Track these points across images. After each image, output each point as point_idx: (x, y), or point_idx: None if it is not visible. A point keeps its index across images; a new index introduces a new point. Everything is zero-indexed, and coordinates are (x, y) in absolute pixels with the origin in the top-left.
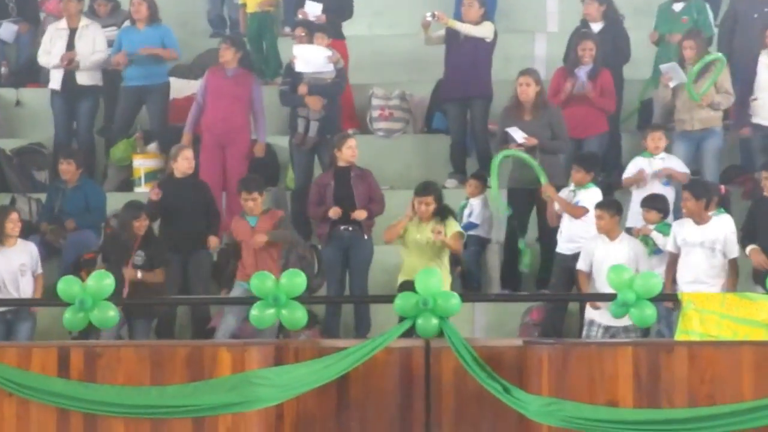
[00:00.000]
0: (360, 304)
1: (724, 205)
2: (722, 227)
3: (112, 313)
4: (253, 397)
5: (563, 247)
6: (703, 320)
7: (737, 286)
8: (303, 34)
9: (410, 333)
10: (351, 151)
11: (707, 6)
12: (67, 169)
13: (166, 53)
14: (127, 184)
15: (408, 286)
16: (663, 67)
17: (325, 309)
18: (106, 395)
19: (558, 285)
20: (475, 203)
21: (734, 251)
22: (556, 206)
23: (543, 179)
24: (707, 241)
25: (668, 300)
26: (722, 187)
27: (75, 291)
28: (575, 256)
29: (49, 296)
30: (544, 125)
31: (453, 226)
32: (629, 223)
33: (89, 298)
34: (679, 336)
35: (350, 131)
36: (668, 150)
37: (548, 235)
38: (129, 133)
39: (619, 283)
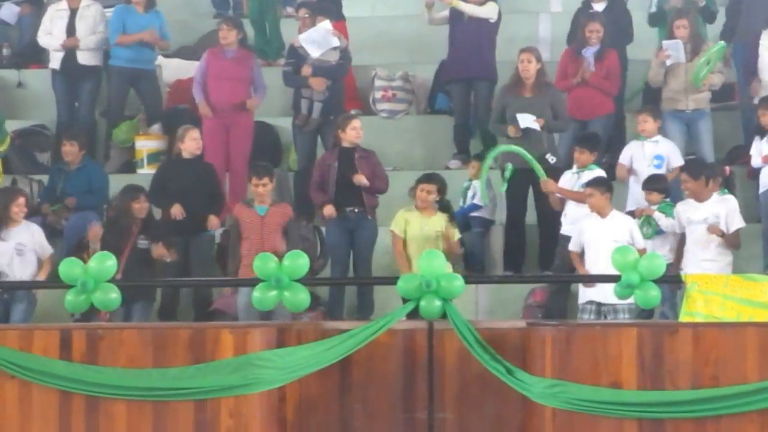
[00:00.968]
0: (363, 286)
1: (729, 186)
2: (724, 203)
3: (114, 295)
4: (256, 379)
5: (568, 228)
6: (707, 301)
7: (742, 264)
8: (306, 15)
9: (413, 315)
10: (355, 132)
11: None
12: (71, 150)
13: (164, 44)
14: (129, 165)
15: None
16: (666, 43)
17: (328, 291)
18: (108, 377)
19: (562, 266)
20: (478, 185)
21: (735, 224)
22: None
23: (540, 174)
24: (710, 217)
25: (672, 281)
26: (727, 168)
27: (77, 273)
28: None
29: (51, 278)
30: (545, 104)
31: (456, 231)
32: (629, 207)
33: (91, 279)
34: (683, 317)
35: (353, 112)
36: (661, 130)
37: (547, 216)
38: (131, 115)
39: (623, 265)
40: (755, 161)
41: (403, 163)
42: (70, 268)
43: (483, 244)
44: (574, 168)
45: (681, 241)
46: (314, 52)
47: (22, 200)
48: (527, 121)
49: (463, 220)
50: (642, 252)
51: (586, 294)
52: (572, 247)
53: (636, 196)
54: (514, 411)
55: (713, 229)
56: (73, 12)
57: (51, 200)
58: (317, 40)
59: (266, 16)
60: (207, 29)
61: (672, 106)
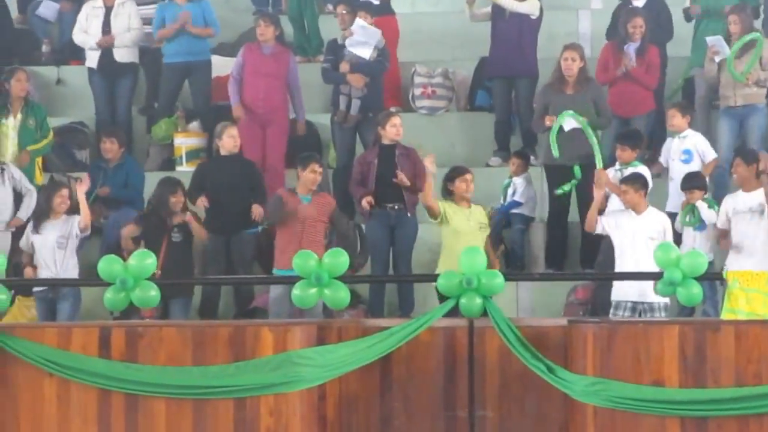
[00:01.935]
0: (404, 283)
1: None
2: None
3: (153, 293)
4: (296, 377)
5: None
6: (749, 299)
7: None
8: (345, 11)
9: (454, 312)
10: (395, 129)
11: None
12: (110, 147)
13: (205, 31)
14: (168, 163)
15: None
16: (709, 39)
17: (369, 288)
18: (148, 375)
19: (605, 264)
20: (519, 182)
21: None
22: (606, 189)
23: (599, 163)
24: (755, 206)
25: (714, 279)
26: None
27: (116, 270)
28: None
29: (90, 276)
30: (587, 101)
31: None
32: (669, 208)
33: (130, 277)
34: (725, 315)
35: (393, 109)
36: (711, 126)
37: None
38: (171, 111)
39: (665, 262)
40: None
41: (443, 161)
42: (109, 265)
43: (524, 241)
44: (617, 165)
45: (722, 236)
46: (365, 53)
47: (65, 191)
48: (570, 121)
49: (503, 217)
50: None
51: (619, 291)
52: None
53: (674, 196)
54: (555, 409)
55: None
56: (108, 9)
57: (90, 198)
58: (361, 40)
59: (305, 12)
60: (246, 26)
61: (724, 102)
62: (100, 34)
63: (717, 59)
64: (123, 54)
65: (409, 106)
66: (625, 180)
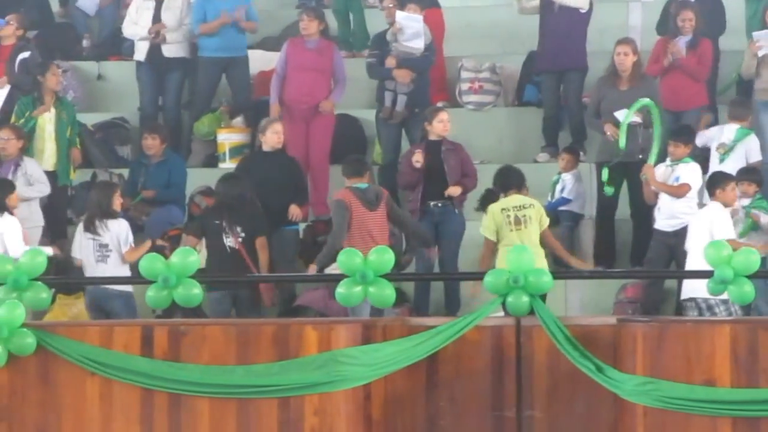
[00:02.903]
0: (450, 282)
1: None
2: None
3: (196, 291)
4: (341, 376)
5: (663, 224)
6: None
7: None
8: (391, 5)
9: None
10: (442, 124)
11: None
12: (152, 144)
13: (249, 25)
14: (211, 159)
15: None
16: (756, 34)
17: (414, 286)
18: (191, 374)
19: (655, 262)
20: (568, 178)
21: None
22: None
23: (652, 159)
24: None
25: (767, 276)
26: None
27: (158, 268)
28: (676, 233)
29: (132, 274)
30: (641, 95)
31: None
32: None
33: (173, 275)
34: None
35: (440, 104)
36: (754, 122)
37: (642, 210)
38: (214, 107)
39: (716, 260)
40: None
41: (490, 157)
42: (151, 263)
43: (572, 239)
44: (668, 161)
45: None
46: (419, 44)
47: (119, 191)
48: (625, 116)
49: (552, 214)
50: None
51: (687, 290)
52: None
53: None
54: (604, 409)
55: None
56: (159, 2)
57: (132, 194)
58: (412, 32)
59: (350, 6)
60: (291, 19)
61: (764, 97)
62: (150, 26)
63: (760, 54)
64: (172, 49)
65: (456, 101)
66: (683, 178)
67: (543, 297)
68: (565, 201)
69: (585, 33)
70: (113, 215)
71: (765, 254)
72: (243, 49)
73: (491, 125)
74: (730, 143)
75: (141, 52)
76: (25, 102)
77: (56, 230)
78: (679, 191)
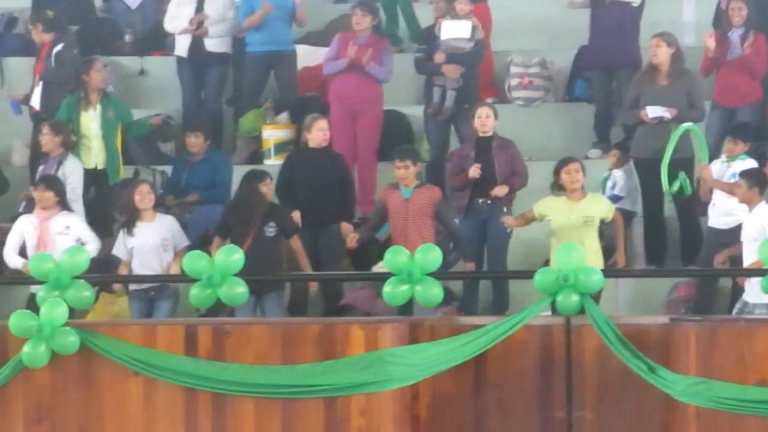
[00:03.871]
0: (498, 280)
1: None
2: None
3: (241, 290)
4: (387, 376)
5: (717, 221)
6: None
7: None
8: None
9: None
10: (480, 120)
11: None
12: (195, 142)
13: (300, 15)
14: (256, 156)
15: None
16: None
17: (462, 285)
18: (236, 374)
19: (709, 260)
20: (619, 175)
21: None
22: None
23: (704, 159)
24: None
25: None
26: None
27: (202, 266)
28: (731, 231)
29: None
30: (680, 92)
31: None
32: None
33: (217, 273)
34: None
35: (488, 100)
36: None
37: (687, 207)
38: (258, 103)
39: None
40: None
41: (540, 153)
42: (195, 261)
43: (624, 237)
44: (723, 157)
45: None
46: (466, 44)
47: (144, 187)
48: (657, 111)
49: None
50: None
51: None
52: None
53: None
54: (655, 410)
55: None
56: None
57: (175, 192)
58: (460, 35)
59: (399, 0)
60: (335, 14)
61: None
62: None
63: None
64: (215, 44)
65: (504, 96)
66: (742, 174)
67: (597, 296)
68: (616, 198)
69: (637, 27)
70: (144, 214)
71: None
72: (289, 42)
73: (540, 121)
74: None
75: (181, 47)
76: (70, 101)
77: (102, 229)
78: (733, 188)
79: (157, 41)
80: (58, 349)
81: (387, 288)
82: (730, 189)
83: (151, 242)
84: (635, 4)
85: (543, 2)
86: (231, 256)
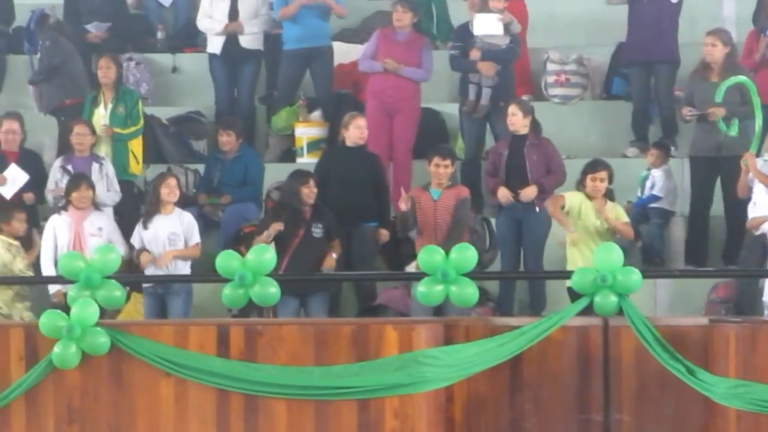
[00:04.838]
0: (534, 280)
1: None
2: None
3: (273, 290)
4: (422, 377)
5: None
6: None
7: None
8: None
9: (588, 311)
10: (510, 118)
11: None
12: (228, 140)
13: (338, 8)
14: (289, 154)
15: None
16: None
17: (498, 285)
18: (268, 375)
19: (749, 259)
20: (658, 174)
21: None
22: (749, 176)
23: (754, 147)
24: None
25: None
26: None
27: (234, 266)
28: None
29: (208, 271)
30: (732, 89)
31: (622, 212)
32: None
33: (249, 273)
34: None
35: (524, 97)
36: None
37: (735, 207)
38: (292, 101)
39: None
40: None
41: (577, 151)
42: (227, 261)
43: (663, 237)
44: (766, 155)
45: None
46: (502, 41)
47: (172, 181)
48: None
49: (641, 211)
50: None
51: None
52: None
53: None
54: (695, 413)
55: None
56: None
57: (207, 190)
58: (492, 30)
59: None
60: (370, 11)
61: None
62: (225, 19)
63: None
64: (249, 40)
65: (541, 94)
66: None
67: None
68: (655, 198)
69: (676, 23)
70: (164, 207)
71: None
72: (326, 37)
73: (578, 119)
74: None
75: (215, 44)
76: (89, 98)
77: (127, 228)
78: None
79: (189, 38)
80: (88, 349)
81: (421, 288)
82: None
83: (160, 236)
84: (674, 1)
85: None
86: (263, 255)
